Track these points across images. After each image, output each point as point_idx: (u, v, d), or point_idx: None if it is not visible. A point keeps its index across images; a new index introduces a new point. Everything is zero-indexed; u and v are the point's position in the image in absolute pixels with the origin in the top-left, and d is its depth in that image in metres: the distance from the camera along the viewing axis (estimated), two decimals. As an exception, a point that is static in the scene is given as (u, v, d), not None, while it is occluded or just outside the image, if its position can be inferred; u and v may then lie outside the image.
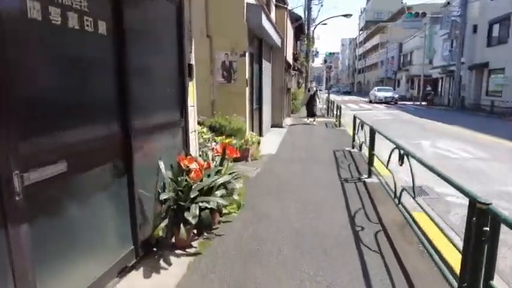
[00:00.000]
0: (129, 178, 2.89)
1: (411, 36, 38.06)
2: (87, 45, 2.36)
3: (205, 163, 3.66)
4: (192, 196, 3.00)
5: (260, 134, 10.32)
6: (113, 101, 2.68)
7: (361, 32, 74.27)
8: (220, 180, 3.45)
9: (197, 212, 3.03)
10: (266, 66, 10.86)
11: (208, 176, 3.56)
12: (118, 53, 2.68)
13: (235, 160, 7.14)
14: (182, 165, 3.31)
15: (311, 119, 14.46)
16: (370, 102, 32.74)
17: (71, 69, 2.24)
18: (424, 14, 24.38)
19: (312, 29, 27.82)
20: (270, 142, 9.51)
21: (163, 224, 3.00)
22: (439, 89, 31.77)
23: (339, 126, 13.06)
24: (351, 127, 13.14)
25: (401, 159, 3.91)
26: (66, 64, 2.20)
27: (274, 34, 9.98)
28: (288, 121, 14.68)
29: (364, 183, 5.71)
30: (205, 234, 3.50)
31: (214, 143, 5.57)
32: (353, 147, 8.52)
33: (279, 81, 12.95)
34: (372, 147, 5.85)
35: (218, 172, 3.66)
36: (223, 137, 7.29)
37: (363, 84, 68.89)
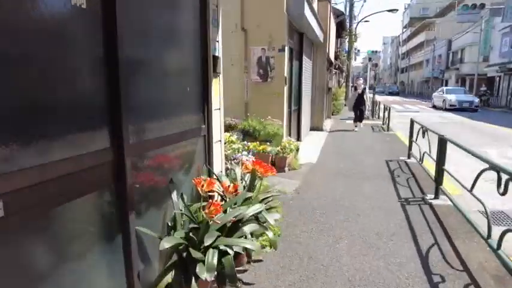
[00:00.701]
0: (122, 211, 2.04)
1: (463, 31, 35.11)
2: (54, 23, 1.53)
3: (232, 186, 2.75)
4: (208, 242, 2.09)
5: (298, 138, 9.31)
6: (96, 105, 1.84)
7: (404, 30, 70.55)
8: (250, 212, 2.52)
9: (215, 262, 2.13)
10: (307, 63, 9.84)
11: (235, 204, 2.65)
12: (105, 36, 1.84)
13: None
14: (200, 190, 2.43)
15: (359, 124, 12.09)
16: (435, 107, 24.71)
17: (22, 59, 1.41)
18: (482, 6, 22.08)
19: (354, 26, 26.29)
20: (310, 148, 8.47)
21: (167, 279, 2.12)
22: (496, 89, 28.93)
23: (388, 130, 11.71)
24: (401, 131, 11.93)
25: (505, 186, 2.78)
26: (14, 51, 1.37)
27: (316, 27, 8.93)
28: (328, 123, 13.52)
29: (431, 206, 4.56)
30: (228, 285, 2.59)
31: (245, 154, 4.65)
32: (409, 157, 7.28)
33: (320, 80, 11.85)
34: (441, 161, 4.67)
35: (247, 200, 2.73)
36: (257, 143, 6.38)
37: (406, 84, 65.34)
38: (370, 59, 20.68)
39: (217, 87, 3.17)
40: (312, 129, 11.69)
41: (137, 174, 2.16)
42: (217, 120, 3.24)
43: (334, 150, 8.38)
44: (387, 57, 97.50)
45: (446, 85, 43.27)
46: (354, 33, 26.15)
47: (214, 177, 3.04)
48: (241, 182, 3.03)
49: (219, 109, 3.26)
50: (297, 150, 6.92)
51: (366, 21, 34.03)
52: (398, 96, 49.36)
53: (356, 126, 12.03)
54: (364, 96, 12.04)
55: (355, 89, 12.32)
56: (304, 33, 8.97)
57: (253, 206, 2.56)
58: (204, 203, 2.39)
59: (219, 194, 2.75)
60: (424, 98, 41.34)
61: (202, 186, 2.45)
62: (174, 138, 2.53)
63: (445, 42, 42.23)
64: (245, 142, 6.42)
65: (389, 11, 25.03)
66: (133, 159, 2.08)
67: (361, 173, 6.22)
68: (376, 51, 26.06)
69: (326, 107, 13.75)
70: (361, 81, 12.37)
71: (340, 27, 22.04)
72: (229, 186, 2.75)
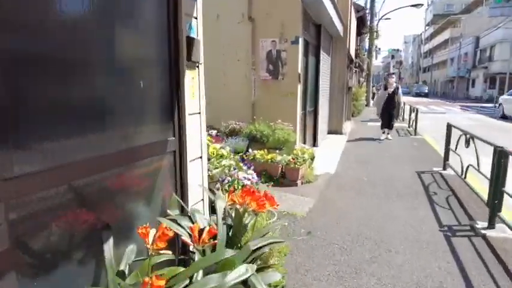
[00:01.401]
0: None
1: (493, 27, 33.04)
2: None
3: (206, 231, 1.80)
4: None
5: (314, 143, 8.30)
6: None
7: (427, 27, 68.01)
8: (230, 282, 1.57)
9: None
10: (325, 59, 8.82)
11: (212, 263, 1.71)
12: None
13: (280, 183, 5.29)
14: (149, 248, 1.50)
15: (387, 132, 9.83)
16: (505, 117, 16.92)
17: None
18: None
19: (375, 22, 24.94)
20: (328, 155, 7.46)
21: None
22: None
23: (415, 133, 10.53)
24: (429, 134, 10.71)
25: None
26: None
27: (335, 18, 7.90)
28: (348, 126, 12.41)
29: (486, 239, 3.50)
30: None
31: (243, 170, 3.66)
32: (445, 168, 6.17)
33: (340, 79, 10.79)
34: (500, 180, 3.59)
35: (226, 265, 1.75)
36: (265, 150, 5.44)
37: (429, 84, 62.84)
38: (392, 57, 19.44)
39: (195, 82, 2.24)
40: (330, 132, 10.64)
41: (30, 225, 1.27)
42: (196, 129, 2.31)
43: (356, 157, 7.33)
44: (408, 56, 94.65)
45: (473, 85, 41.15)
46: (375, 29, 24.83)
47: (190, 214, 2.11)
48: (224, 223, 2.08)
49: (199, 113, 2.33)
50: (312, 159, 5.92)
51: (387, 18, 32.58)
52: (427, 97, 42.54)
53: (384, 133, 9.86)
54: (396, 98, 9.51)
55: (385, 87, 9.79)
56: (321, 25, 7.95)
57: (236, 269, 1.61)
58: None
59: (186, 243, 1.81)
60: (448, 99, 39.34)
61: (155, 238, 1.51)
62: (110, 160, 1.61)
63: (472, 39, 40.09)
64: (250, 151, 5.49)
65: (413, 6, 23.65)
66: (22, 198, 1.18)
67: (389, 188, 5.18)
68: (397, 50, 24.67)
69: (346, 108, 12.65)
70: (393, 79, 9.77)
71: (361, 24, 20.82)
72: (202, 230, 1.81)
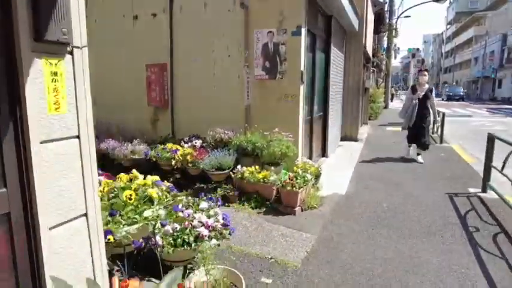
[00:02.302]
0: None
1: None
2: None
3: None
4: None
5: (324, 153, 7.16)
6: None
7: (449, 26, 65.40)
8: None
9: None
10: (336, 56, 7.67)
11: None
12: None
13: (274, 210, 4.20)
14: None
15: (416, 153, 7.01)
16: None
17: None
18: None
19: (393, 20, 23.45)
20: (338, 168, 6.32)
21: None
22: None
23: (441, 142, 9.22)
24: (456, 142, 9.30)
25: None
26: None
27: (349, 7, 6.75)
28: (364, 131, 11.19)
29: None
30: None
31: (204, 209, 2.49)
32: (485, 190, 4.94)
33: (355, 79, 9.60)
34: None
35: None
36: (256, 167, 4.38)
37: (450, 85, 60.26)
38: (413, 55, 18.03)
39: (61, 83, 1.20)
40: (344, 139, 9.46)
41: None
42: (69, 166, 1.26)
43: (372, 172, 6.16)
44: (428, 56, 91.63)
45: (499, 85, 38.86)
46: (394, 27, 23.35)
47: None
48: None
49: (78, 137, 1.29)
50: (317, 177, 4.81)
51: (407, 16, 30.91)
52: (464, 101, 34.76)
53: (412, 148, 7.12)
54: (429, 103, 6.74)
55: (413, 90, 6.85)
56: (332, 17, 6.82)
57: None
58: None
59: None
60: (472, 100, 37.20)
61: None
62: None
63: (499, 37, 37.86)
64: (238, 167, 4.43)
65: (435, 1, 22.09)
66: None
67: (413, 218, 4.01)
68: (417, 49, 23.14)
69: (362, 112, 11.43)
70: (426, 77, 6.94)
71: (378, 21, 19.47)
72: None
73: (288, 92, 4.98)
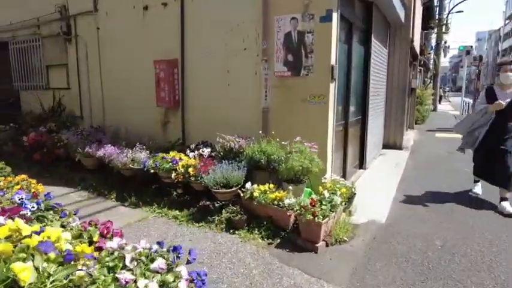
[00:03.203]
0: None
1: None
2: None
3: None
4: None
5: (361, 165, 6.10)
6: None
7: (507, 22, 60.08)
8: None
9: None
10: (378, 50, 6.56)
11: None
12: None
13: (291, 244, 3.25)
14: None
15: (501, 197, 4.23)
16: None
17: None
18: None
19: (444, 15, 21.39)
20: (378, 184, 5.24)
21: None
22: None
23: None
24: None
25: None
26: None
27: (394, -9, 5.65)
28: (410, 137, 9.85)
29: None
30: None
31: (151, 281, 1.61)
32: None
33: (400, 78, 8.35)
34: None
35: None
36: (270, 185, 3.49)
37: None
38: (468, 53, 16.10)
39: None
40: (386, 146, 8.27)
41: None
42: None
43: (422, 190, 5.01)
44: (482, 55, 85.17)
45: None
46: (444, 22, 21.28)
47: None
48: None
49: None
50: (350, 198, 3.82)
51: (459, 11, 28.36)
52: None
53: (503, 203, 4.16)
54: None
55: (490, 94, 4.37)
56: (373, 4, 5.75)
57: None
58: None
59: None
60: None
61: None
62: None
63: None
64: (248, 184, 3.57)
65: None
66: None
67: (483, 267, 2.91)
68: (471, 47, 20.82)
69: (408, 115, 10.10)
70: None
71: (427, 16, 17.71)
72: None
73: (314, 91, 4.03)
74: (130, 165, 4.43)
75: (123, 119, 5.94)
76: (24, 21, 7.57)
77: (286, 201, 3.28)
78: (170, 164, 4.11)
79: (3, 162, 3.73)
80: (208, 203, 4.03)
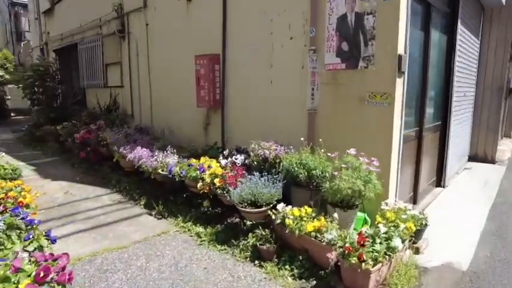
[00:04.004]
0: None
1: None
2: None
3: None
4: None
5: (439, 181, 4.93)
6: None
7: None
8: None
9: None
10: (466, 40, 5.30)
11: None
12: None
13: None
14: None
15: None
16: None
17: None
18: None
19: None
20: (460, 209, 4.09)
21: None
22: None
23: None
24: None
25: None
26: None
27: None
28: (506, 148, 8.08)
29: None
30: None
31: None
32: None
33: (495, 75, 6.80)
34: None
35: None
36: (307, 209, 2.72)
37: None
38: None
39: None
40: (474, 159, 6.80)
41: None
42: None
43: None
44: None
45: None
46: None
47: None
48: None
49: None
50: (418, 231, 2.86)
51: None
52: None
53: None
54: None
55: None
56: (463, -19, 4.58)
57: None
58: None
59: None
60: None
61: None
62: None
63: None
64: (280, 205, 2.86)
65: None
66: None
67: None
68: None
69: (503, 121, 8.31)
70: None
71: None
72: None
73: (375, 89, 3.14)
74: (159, 171, 3.99)
75: (169, 120, 5.62)
76: (90, 22, 7.77)
77: (328, 236, 2.48)
78: (197, 171, 3.56)
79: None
80: (237, 220, 3.41)
